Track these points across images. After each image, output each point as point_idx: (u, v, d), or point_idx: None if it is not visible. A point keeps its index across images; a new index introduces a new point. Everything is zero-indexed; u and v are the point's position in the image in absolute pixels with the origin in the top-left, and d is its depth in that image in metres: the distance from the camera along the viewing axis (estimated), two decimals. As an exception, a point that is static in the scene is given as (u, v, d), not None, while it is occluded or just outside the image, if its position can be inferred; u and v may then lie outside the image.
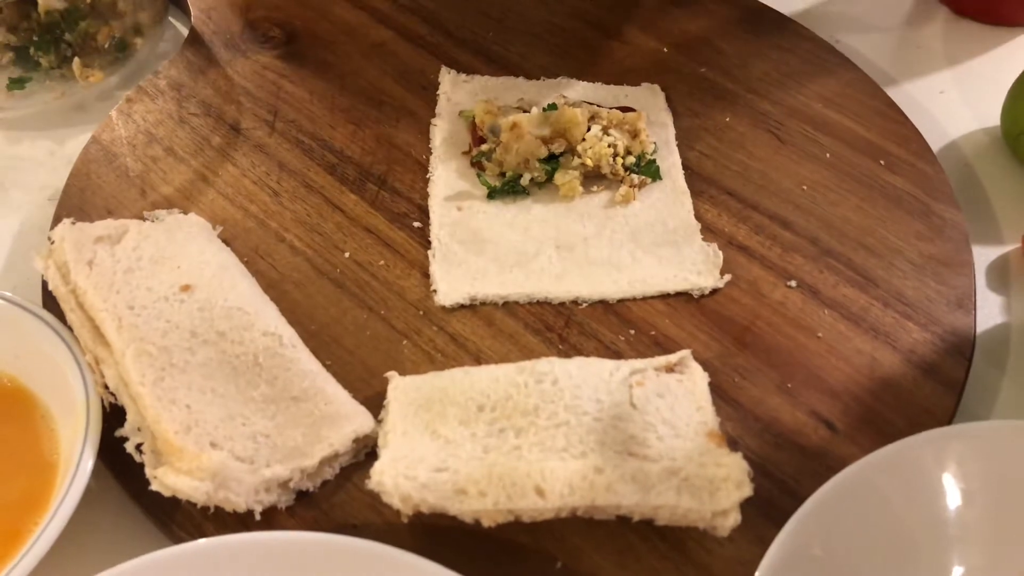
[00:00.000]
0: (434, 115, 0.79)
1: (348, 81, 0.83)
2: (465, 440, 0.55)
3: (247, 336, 0.61)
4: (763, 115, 0.79)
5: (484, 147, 0.73)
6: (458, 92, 0.81)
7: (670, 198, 0.72)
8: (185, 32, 0.90)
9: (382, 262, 0.70)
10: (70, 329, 0.62)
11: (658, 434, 0.55)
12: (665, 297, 0.67)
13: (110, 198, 0.74)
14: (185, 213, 0.72)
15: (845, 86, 0.81)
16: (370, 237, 0.71)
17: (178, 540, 0.56)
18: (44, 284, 0.66)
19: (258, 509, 0.56)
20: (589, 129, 0.72)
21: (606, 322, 0.66)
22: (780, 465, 0.59)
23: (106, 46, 0.85)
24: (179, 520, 0.57)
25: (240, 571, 0.52)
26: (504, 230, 0.71)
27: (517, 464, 0.53)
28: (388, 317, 0.66)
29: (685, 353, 0.61)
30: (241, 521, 0.56)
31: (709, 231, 0.71)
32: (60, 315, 0.63)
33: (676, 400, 0.57)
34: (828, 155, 0.76)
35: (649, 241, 0.70)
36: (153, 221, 0.70)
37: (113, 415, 0.58)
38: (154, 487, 0.55)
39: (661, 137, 0.76)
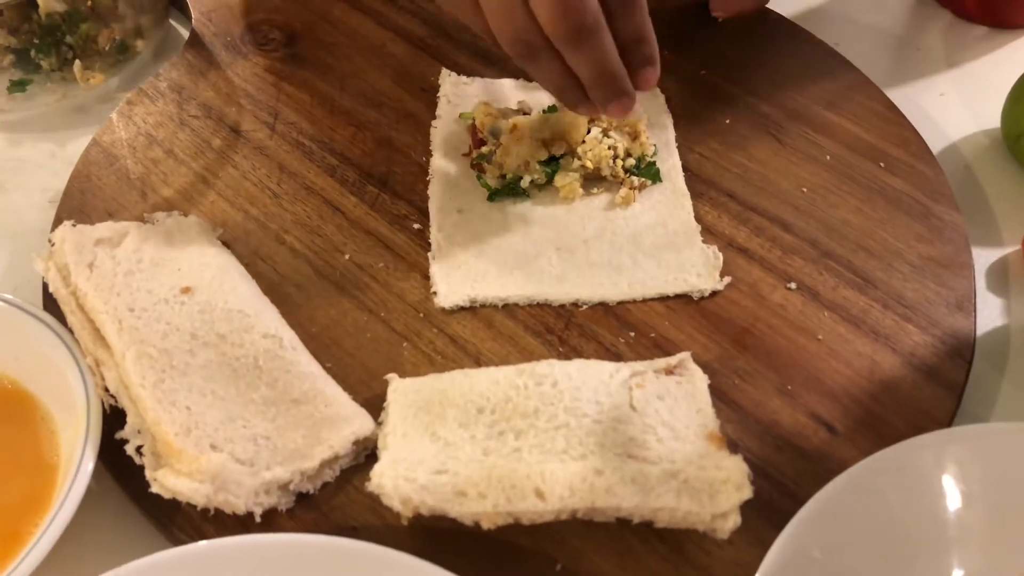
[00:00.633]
0: (434, 117, 0.79)
1: (348, 83, 0.83)
2: (465, 442, 0.55)
3: (247, 338, 0.61)
4: (763, 117, 0.79)
5: (484, 149, 0.73)
6: (458, 94, 0.81)
7: (670, 200, 0.73)
8: (186, 34, 0.90)
9: (382, 264, 0.70)
10: (70, 331, 0.62)
11: (658, 436, 0.55)
12: (665, 299, 0.67)
13: (111, 200, 0.74)
14: (185, 215, 0.72)
15: (845, 88, 0.81)
16: (370, 239, 0.71)
17: (178, 542, 0.56)
18: (45, 286, 0.66)
19: (258, 511, 0.56)
20: (589, 131, 0.72)
21: (606, 324, 0.66)
22: (780, 467, 0.59)
23: (107, 48, 0.85)
24: (179, 522, 0.57)
25: (240, 573, 0.52)
26: (504, 232, 0.71)
27: (517, 466, 0.53)
28: (388, 319, 0.66)
29: (685, 355, 0.61)
30: (241, 523, 0.56)
31: (709, 233, 0.71)
32: (61, 317, 0.63)
33: (676, 402, 0.57)
34: (828, 157, 0.76)
35: (649, 243, 0.70)
36: (154, 223, 0.70)
37: (113, 417, 0.58)
38: (154, 489, 0.55)
39: (661, 139, 0.76)
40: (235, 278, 0.66)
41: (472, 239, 0.70)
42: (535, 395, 0.57)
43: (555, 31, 0.60)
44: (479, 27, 0.63)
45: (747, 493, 0.52)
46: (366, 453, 0.59)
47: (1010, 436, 0.56)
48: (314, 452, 0.57)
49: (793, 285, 0.68)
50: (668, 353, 0.63)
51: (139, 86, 0.83)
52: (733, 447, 0.58)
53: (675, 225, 0.71)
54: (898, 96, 0.82)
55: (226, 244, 0.70)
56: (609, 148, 0.72)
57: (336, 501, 0.58)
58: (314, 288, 0.68)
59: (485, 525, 0.53)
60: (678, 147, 0.77)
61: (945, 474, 0.55)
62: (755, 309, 0.66)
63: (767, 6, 0.88)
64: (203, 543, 0.53)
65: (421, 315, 0.67)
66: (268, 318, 0.63)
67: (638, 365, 0.60)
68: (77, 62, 0.83)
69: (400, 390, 0.59)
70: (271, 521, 0.56)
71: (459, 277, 0.68)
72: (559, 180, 0.72)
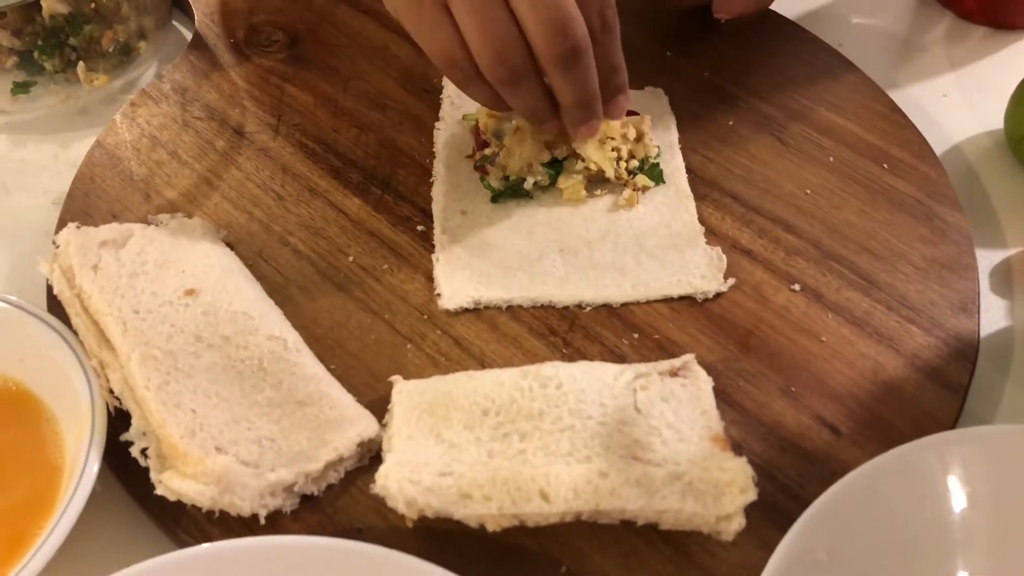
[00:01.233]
0: (437, 119, 0.79)
1: (351, 85, 0.83)
2: (469, 444, 0.55)
3: (252, 340, 0.61)
4: (766, 119, 0.79)
5: (488, 151, 0.73)
6: (461, 96, 0.80)
7: (674, 202, 0.73)
8: (189, 36, 0.90)
9: (386, 266, 0.70)
10: (75, 333, 0.62)
11: (662, 438, 0.55)
12: (669, 301, 0.67)
13: (115, 202, 0.74)
14: (190, 217, 0.72)
15: (848, 90, 0.81)
16: (374, 241, 0.71)
17: (183, 544, 0.56)
18: (49, 288, 0.66)
19: (263, 513, 0.56)
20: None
21: (610, 326, 0.66)
22: (784, 469, 0.59)
23: (110, 50, 0.85)
24: (184, 524, 0.57)
25: (245, 575, 0.52)
26: (508, 234, 0.71)
27: (522, 468, 0.53)
28: (392, 321, 0.66)
29: (689, 357, 0.61)
30: (246, 525, 0.56)
31: (712, 235, 0.71)
32: (65, 319, 0.63)
33: (680, 404, 0.58)
34: (831, 159, 0.76)
35: (653, 245, 0.70)
36: (157, 225, 0.70)
37: (118, 419, 0.58)
38: (159, 491, 0.55)
39: (664, 141, 0.76)
40: (239, 280, 0.66)
41: (476, 241, 0.70)
42: (540, 397, 0.57)
43: (549, 50, 0.60)
44: (440, 47, 0.62)
45: (751, 495, 0.52)
46: (371, 455, 0.59)
47: (1014, 438, 0.56)
48: (319, 454, 0.57)
49: (797, 287, 0.68)
50: (672, 355, 0.63)
51: (142, 88, 0.83)
52: (737, 449, 0.58)
53: (678, 227, 0.71)
54: (901, 97, 0.82)
55: (230, 246, 0.70)
56: (613, 149, 0.72)
57: (341, 503, 0.58)
58: (318, 290, 0.68)
59: (490, 527, 0.53)
60: (681, 149, 0.77)
61: (949, 476, 0.55)
62: (759, 311, 0.66)
63: (769, 8, 0.88)
64: (208, 545, 0.53)
65: (425, 317, 0.67)
66: (272, 320, 0.63)
67: (642, 367, 0.60)
68: (81, 64, 0.83)
69: (404, 392, 0.59)
70: (276, 523, 0.56)
71: (463, 279, 0.68)
72: (562, 182, 0.72)
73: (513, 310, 0.67)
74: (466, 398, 0.58)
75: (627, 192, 0.72)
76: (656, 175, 0.74)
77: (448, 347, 0.65)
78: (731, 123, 0.79)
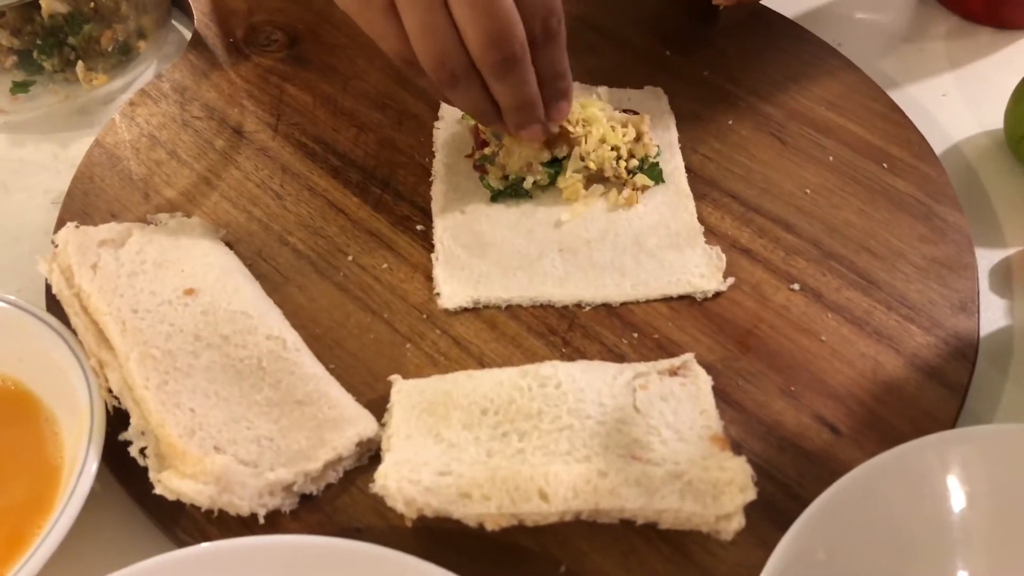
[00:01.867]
0: (437, 118, 0.79)
1: (351, 84, 0.83)
2: (469, 444, 0.55)
3: (251, 340, 0.61)
4: (766, 118, 0.79)
5: (487, 150, 0.73)
6: (461, 95, 0.81)
7: (673, 201, 0.73)
8: (188, 35, 0.90)
9: (385, 265, 0.70)
10: (74, 333, 0.62)
11: (662, 438, 0.55)
12: (668, 300, 0.67)
13: (114, 201, 0.74)
14: (189, 216, 0.72)
15: (848, 89, 0.81)
16: (373, 240, 0.71)
17: (182, 544, 0.56)
18: (48, 287, 0.66)
19: (262, 513, 0.56)
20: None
21: (609, 325, 0.66)
22: (783, 469, 0.59)
23: (109, 49, 0.85)
24: (183, 524, 0.57)
25: (244, 575, 0.52)
26: (507, 233, 0.71)
27: (521, 468, 0.53)
28: (391, 320, 0.66)
29: (688, 356, 0.61)
30: (245, 525, 0.56)
31: (712, 234, 0.71)
32: (64, 319, 0.63)
33: (679, 404, 0.57)
34: (831, 158, 0.76)
35: (652, 244, 0.70)
36: (157, 224, 0.70)
37: (117, 419, 0.58)
38: (158, 491, 0.55)
39: (664, 140, 0.76)
40: (238, 279, 0.66)
41: (475, 240, 0.70)
42: (539, 397, 0.57)
43: (484, 59, 0.61)
44: (390, 47, 0.63)
45: (751, 494, 0.52)
46: (370, 455, 0.59)
47: (1014, 437, 0.56)
48: (318, 453, 0.57)
49: (796, 286, 0.68)
50: (671, 354, 0.63)
51: (142, 87, 0.83)
52: (737, 448, 0.58)
53: (678, 226, 0.71)
54: (900, 97, 0.82)
55: (229, 245, 0.70)
56: (612, 149, 0.72)
57: (340, 502, 0.58)
58: (317, 289, 0.68)
59: (489, 527, 0.53)
60: (681, 148, 0.77)
61: (949, 475, 0.55)
62: (758, 310, 0.66)
63: (769, 7, 0.88)
64: (207, 545, 0.53)
65: (424, 316, 0.67)
66: (272, 319, 0.63)
67: (641, 366, 0.60)
68: (80, 63, 0.83)
69: (404, 391, 0.59)
70: (275, 523, 0.56)
71: (462, 278, 0.68)
72: (562, 181, 0.72)
73: (512, 309, 0.67)
74: (465, 397, 0.58)
75: (626, 191, 0.72)
76: (655, 174, 0.74)
77: (447, 346, 0.65)
78: (731, 122, 0.79)
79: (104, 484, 0.59)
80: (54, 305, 0.65)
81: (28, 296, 0.65)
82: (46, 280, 0.66)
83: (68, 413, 0.60)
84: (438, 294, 0.67)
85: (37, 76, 0.84)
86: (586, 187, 0.73)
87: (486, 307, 0.67)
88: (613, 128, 0.72)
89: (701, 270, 0.68)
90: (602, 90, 0.80)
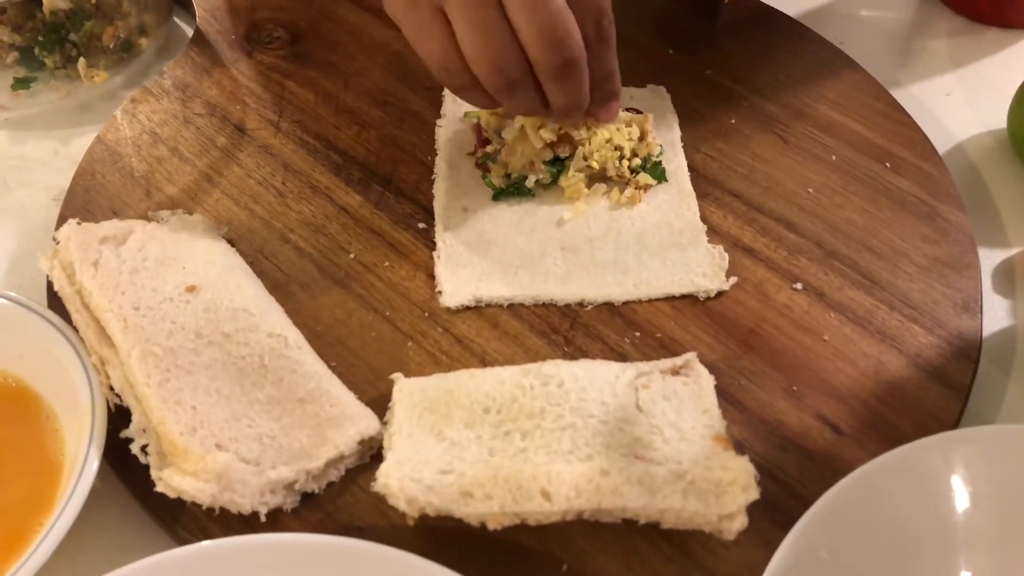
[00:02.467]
0: (439, 116, 0.79)
1: (353, 82, 0.83)
2: (471, 442, 0.55)
3: (252, 337, 0.61)
4: (768, 117, 0.79)
5: (489, 148, 0.73)
6: (463, 93, 0.80)
7: (676, 200, 0.72)
8: (190, 32, 0.90)
9: (387, 263, 0.70)
10: (75, 330, 0.62)
11: (664, 437, 0.55)
12: (671, 299, 0.67)
13: (115, 198, 0.74)
14: (190, 213, 0.72)
15: (850, 88, 0.81)
16: (375, 238, 0.71)
17: (183, 541, 0.56)
18: (49, 284, 0.66)
19: (263, 511, 0.55)
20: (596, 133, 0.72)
21: (611, 324, 0.66)
22: (786, 468, 0.59)
23: (111, 46, 0.85)
24: (184, 522, 0.57)
25: (244, 573, 0.52)
26: (509, 232, 0.71)
27: (523, 467, 0.53)
28: (393, 319, 0.66)
29: (691, 356, 0.60)
30: (246, 523, 0.56)
31: (715, 233, 0.71)
32: (65, 315, 0.63)
33: (682, 403, 0.57)
34: (833, 157, 0.76)
35: (655, 243, 0.70)
36: (158, 222, 0.70)
37: (118, 416, 0.58)
38: (159, 488, 0.54)
39: (667, 139, 0.76)
40: (240, 277, 0.65)
41: (477, 238, 0.70)
42: (541, 395, 0.57)
43: (544, 61, 0.61)
44: (435, 52, 0.62)
45: (753, 494, 0.52)
46: (371, 453, 0.59)
47: (1016, 437, 0.56)
48: (319, 452, 0.57)
49: (799, 285, 0.67)
50: (674, 353, 0.63)
51: (143, 84, 0.83)
52: (739, 448, 0.58)
53: (681, 225, 0.71)
54: (903, 96, 0.82)
55: (231, 242, 0.70)
56: (615, 148, 0.72)
57: (341, 501, 0.58)
58: (319, 287, 0.68)
59: (491, 526, 0.53)
60: (684, 147, 0.76)
61: (952, 476, 0.54)
62: (761, 309, 0.66)
63: (772, 5, 0.88)
64: (208, 543, 0.53)
65: (426, 314, 0.66)
66: (273, 317, 0.63)
67: (644, 366, 0.60)
68: (81, 60, 0.83)
69: (406, 390, 0.59)
70: (276, 521, 0.56)
71: (464, 276, 0.68)
72: (564, 180, 0.72)
73: (514, 308, 0.67)
74: (467, 396, 0.57)
75: (629, 190, 0.72)
76: (658, 173, 0.73)
77: (449, 345, 0.65)
78: (733, 121, 0.79)
79: (105, 482, 0.59)
80: (55, 302, 0.65)
81: (29, 293, 0.65)
82: (47, 277, 0.65)
83: (69, 410, 0.59)
84: (440, 292, 0.67)
85: (38, 72, 0.84)
86: (588, 186, 0.72)
87: (488, 305, 0.67)
88: (617, 127, 0.72)
89: (703, 269, 0.68)
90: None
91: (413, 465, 0.54)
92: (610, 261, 0.69)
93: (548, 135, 0.70)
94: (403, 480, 0.53)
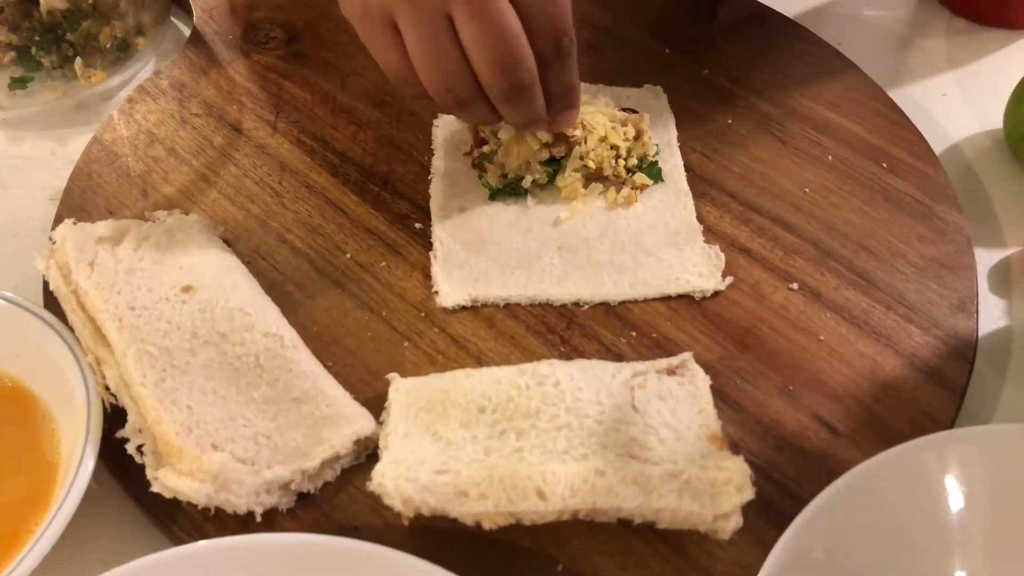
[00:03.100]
0: (435, 116, 0.79)
1: (350, 82, 0.83)
2: (466, 442, 0.55)
3: (248, 337, 0.61)
4: (765, 117, 0.79)
5: (485, 148, 0.73)
6: (460, 93, 0.80)
7: (672, 200, 0.72)
8: (187, 32, 0.90)
9: (383, 263, 0.70)
10: (71, 329, 0.62)
11: (659, 437, 0.55)
12: (667, 299, 0.67)
13: (111, 198, 0.74)
14: (186, 213, 0.72)
15: (847, 88, 0.81)
16: (371, 238, 0.71)
17: (179, 541, 0.56)
18: (45, 284, 0.66)
19: (259, 511, 0.55)
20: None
21: (607, 324, 0.66)
22: (781, 468, 0.59)
23: (108, 46, 0.85)
24: (180, 521, 0.57)
25: (241, 573, 0.52)
26: (506, 231, 0.71)
27: (518, 466, 0.53)
28: (389, 318, 0.66)
29: (687, 356, 0.61)
30: (242, 523, 0.56)
31: (711, 233, 0.71)
32: (61, 315, 0.63)
33: (677, 403, 0.57)
34: (830, 157, 0.76)
35: (651, 243, 0.70)
36: (154, 222, 0.70)
37: (114, 416, 0.58)
38: (155, 488, 0.54)
39: (663, 139, 0.76)
40: (236, 277, 0.65)
41: (474, 238, 0.70)
42: (537, 395, 0.57)
43: (494, 87, 0.61)
44: (389, 65, 0.63)
45: (749, 494, 0.52)
46: (367, 453, 0.59)
47: (1012, 437, 0.56)
48: (315, 451, 0.57)
49: (795, 285, 0.68)
50: (670, 353, 0.63)
51: (140, 84, 0.83)
52: (735, 448, 0.58)
53: (677, 225, 0.71)
54: (900, 96, 0.82)
55: (227, 242, 0.70)
56: (611, 148, 0.72)
57: (337, 501, 0.58)
58: (315, 287, 0.68)
59: (486, 525, 0.53)
60: (680, 147, 0.77)
61: (947, 476, 0.55)
62: (757, 309, 0.66)
63: (769, 6, 0.88)
64: (204, 543, 0.53)
65: (422, 314, 0.66)
66: (269, 317, 0.63)
67: (640, 365, 0.60)
68: (78, 59, 0.83)
69: (401, 390, 0.59)
70: (272, 521, 0.56)
71: (460, 276, 0.68)
72: (561, 180, 0.72)
73: (511, 308, 0.67)
74: (463, 396, 0.57)
75: (625, 190, 0.72)
76: (655, 173, 0.73)
77: (445, 345, 0.65)
78: (730, 121, 0.79)
79: (101, 481, 0.59)
80: (51, 302, 0.65)
81: (25, 293, 0.65)
82: (43, 277, 0.65)
83: (65, 410, 0.59)
84: (436, 292, 0.67)
85: (35, 72, 0.84)
86: (585, 186, 0.72)
87: (484, 305, 0.67)
88: (613, 127, 0.72)
89: (700, 269, 0.68)
90: (601, 89, 0.80)
91: (409, 465, 0.54)
92: (606, 261, 0.69)
93: (544, 136, 0.70)
94: (399, 480, 0.53)
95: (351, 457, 0.59)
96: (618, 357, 0.64)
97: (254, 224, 0.72)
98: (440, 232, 0.71)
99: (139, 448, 0.57)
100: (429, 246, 0.70)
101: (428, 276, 0.68)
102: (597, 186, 0.73)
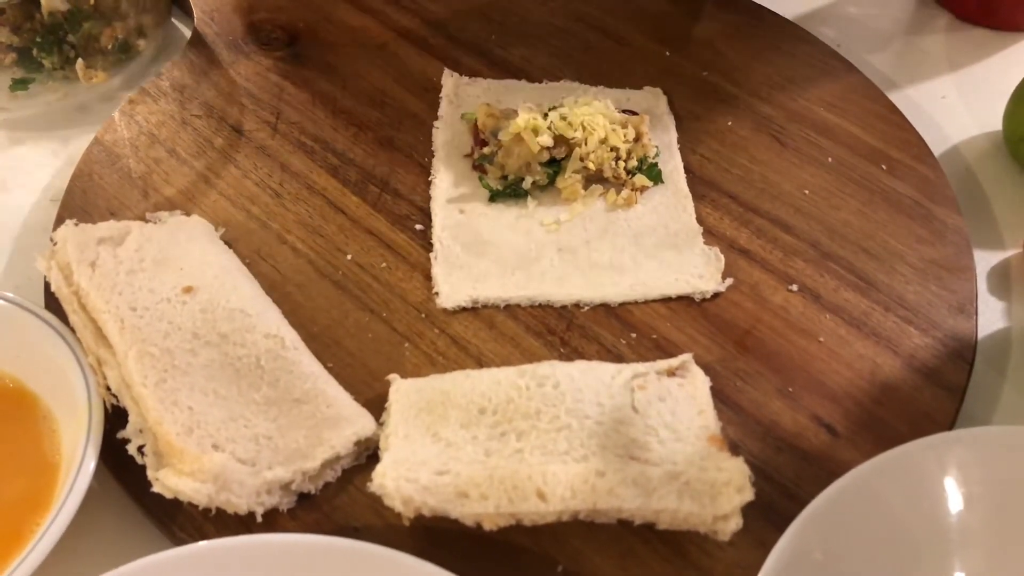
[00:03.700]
0: (436, 118, 0.79)
1: (350, 83, 0.83)
2: (466, 443, 0.55)
3: (249, 338, 0.61)
4: (765, 119, 0.79)
5: (486, 150, 0.73)
6: (460, 95, 0.81)
7: (672, 201, 0.73)
8: (188, 34, 0.90)
9: (384, 264, 0.70)
10: (72, 330, 0.62)
11: (659, 438, 0.55)
12: (667, 300, 0.67)
13: (112, 199, 0.74)
14: (187, 214, 0.72)
15: (847, 90, 0.81)
16: (372, 239, 0.71)
17: (179, 542, 0.56)
18: (46, 285, 0.66)
19: (259, 511, 0.56)
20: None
21: (607, 325, 0.66)
22: (781, 469, 0.59)
23: (109, 47, 0.85)
24: (180, 522, 0.57)
25: (241, 573, 0.52)
26: (506, 233, 0.71)
27: (518, 467, 0.53)
28: (390, 319, 0.66)
29: (686, 357, 0.61)
30: (242, 523, 0.56)
31: (711, 235, 0.71)
32: (62, 316, 0.63)
33: (677, 404, 0.57)
34: (830, 159, 0.76)
35: (651, 244, 0.70)
36: (155, 223, 0.70)
37: (115, 416, 0.58)
38: (156, 489, 0.55)
39: (663, 141, 0.76)
40: (237, 278, 0.66)
41: (474, 240, 0.70)
42: (537, 396, 0.57)
43: None
44: None
45: (748, 495, 0.52)
46: (368, 453, 0.59)
47: (1011, 439, 0.56)
48: (316, 452, 0.57)
49: (794, 287, 0.68)
50: (670, 354, 0.63)
51: (141, 85, 0.83)
52: (734, 449, 0.58)
53: (677, 226, 0.71)
54: (899, 98, 0.82)
55: (228, 244, 0.70)
56: (611, 149, 0.72)
57: (338, 501, 0.58)
58: (316, 288, 0.68)
59: (487, 526, 0.53)
60: (680, 148, 0.77)
61: (947, 477, 0.55)
62: (756, 311, 0.66)
63: (768, 7, 0.88)
64: (204, 543, 0.53)
65: (423, 315, 0.67)
66: (270, 318, 0.63)
67: (640, 367, 0.60)
68: (79, 61, 0.83)
69: (402, 391, 0.59)
70: (272, 521, 0.56)
71: (461, 278, 0.68)
72: (561, 181, 0.72)
73: (511, 309, 0.67)
74: (463, 397, 0.57)
75: (625, 192, 0.72)
76: (654, 175, 0.74)
77: (445, 346, 0.65)
78: (730, 123, 0.79)
79: (102, 482, 0.59)
80: (53, 303, 0.65)
81: (27, 294, 0.65)
82: (45, 278, 0.65)
83: (66, 411, 0.60)
84: (436, 293, 0.67)
85: (37, 74, 0.84)
86: (585, 187, 0.73)
87: (484, 306, 0.67)
88: (613, 129, 0.72)
89: (699, 271, 0.68)
90: (601, 90, 0.80)
91: (409, 466, 0.54)
92: (606, 262, 0.69)
93: (544, 139, 0.70)
94: (399, 480, 0.53)
95: (352, 458, 0.59)
96: (618, 358, 0.64)
97: (255, 225, 0.72)
98: (440, 233, 0.71)
99: (140, 449, 0.57)
100: (429, 247, 0.70)
101: (428, 277, 0.68)
102: (597, 188, 0.73)
